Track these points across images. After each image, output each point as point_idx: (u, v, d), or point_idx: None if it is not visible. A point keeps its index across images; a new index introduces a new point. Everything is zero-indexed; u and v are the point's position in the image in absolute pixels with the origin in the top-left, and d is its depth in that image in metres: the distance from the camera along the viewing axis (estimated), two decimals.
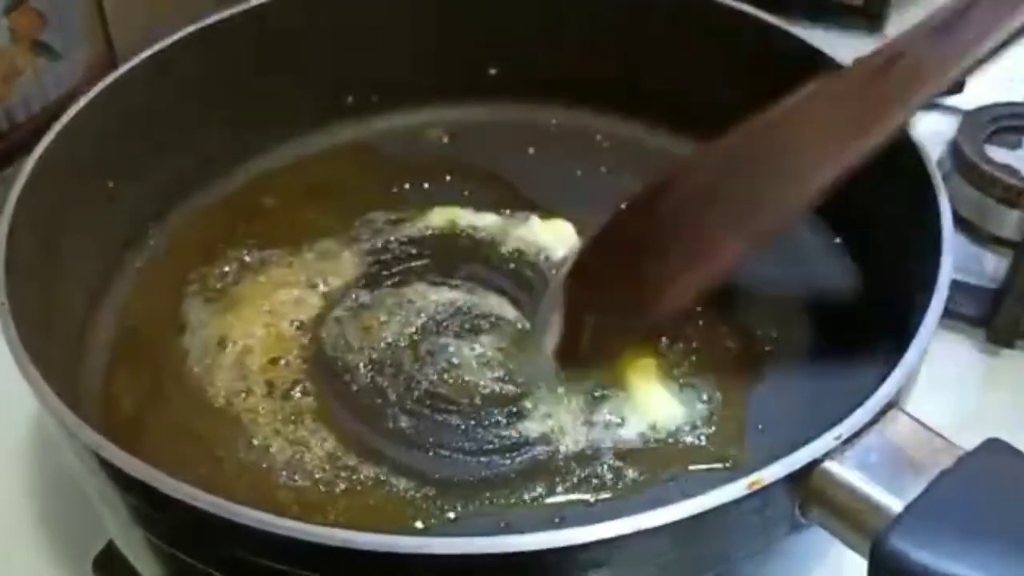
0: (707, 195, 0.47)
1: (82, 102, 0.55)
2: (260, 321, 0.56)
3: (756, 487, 0.36)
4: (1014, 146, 0.69)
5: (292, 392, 0.52)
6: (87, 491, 0.45)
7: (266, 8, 0.63)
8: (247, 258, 0.60)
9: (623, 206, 0.51)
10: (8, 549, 0.56)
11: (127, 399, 0.53)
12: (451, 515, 0.47)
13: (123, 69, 0.58)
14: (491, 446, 0.50)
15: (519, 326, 0.55)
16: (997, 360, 0.65)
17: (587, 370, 0.51)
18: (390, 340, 0.54)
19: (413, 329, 0.55)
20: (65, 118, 0.54)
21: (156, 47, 0.59)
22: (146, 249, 0.61)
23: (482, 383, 0.52)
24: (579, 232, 0.60)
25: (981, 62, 0.43)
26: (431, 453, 0.49)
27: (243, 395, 0.52)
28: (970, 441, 0.39)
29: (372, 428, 0.51)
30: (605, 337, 0.51)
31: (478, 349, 0.54)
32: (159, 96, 0.60)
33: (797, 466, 0.37)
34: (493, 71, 0.69)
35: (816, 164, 0.45)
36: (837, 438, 0.38)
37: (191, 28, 0.61)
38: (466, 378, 0.53)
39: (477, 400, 0.52)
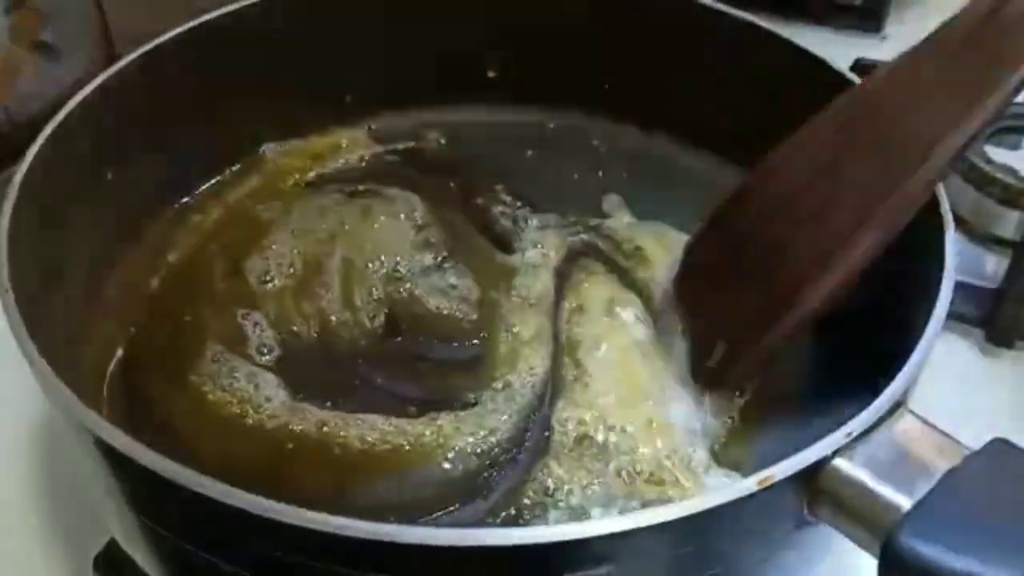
0: (823, 177, 0.42)
1: (80, 96, 0.55)
2: (258, 318, 0.56)
3: (766, 484, 0.36)
4: (1014, 146, 0.69)
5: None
6: (90, 484, 0.44)
7: (265, 7, 0.63)
8: (244, 257, 0.59)
9: (727, 199, 0.45)
10: (8, 549, 0.56)
11: (127, 389, 0.53)
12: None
13: (122, 63, 0.58)
14: None
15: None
16: (997, 360, 0.65)
17: (732, 389, 0.46)
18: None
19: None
20: (63, 112, 0.54)
21: (154, 43, 0.59)
22: (145, 245, 0.60)
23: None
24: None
25: None
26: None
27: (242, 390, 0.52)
28: (970, 440, 0.39)
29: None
30: (741, 351, 0.44)
31: None
32: (157, 92, 0.59)
33: (808, 463, 0.37)
34: (492, 73, 0.69)
35: (935, 128, 0.40)
36: (848, 435, 0.38)
37: (190, 24, 0.61)
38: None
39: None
